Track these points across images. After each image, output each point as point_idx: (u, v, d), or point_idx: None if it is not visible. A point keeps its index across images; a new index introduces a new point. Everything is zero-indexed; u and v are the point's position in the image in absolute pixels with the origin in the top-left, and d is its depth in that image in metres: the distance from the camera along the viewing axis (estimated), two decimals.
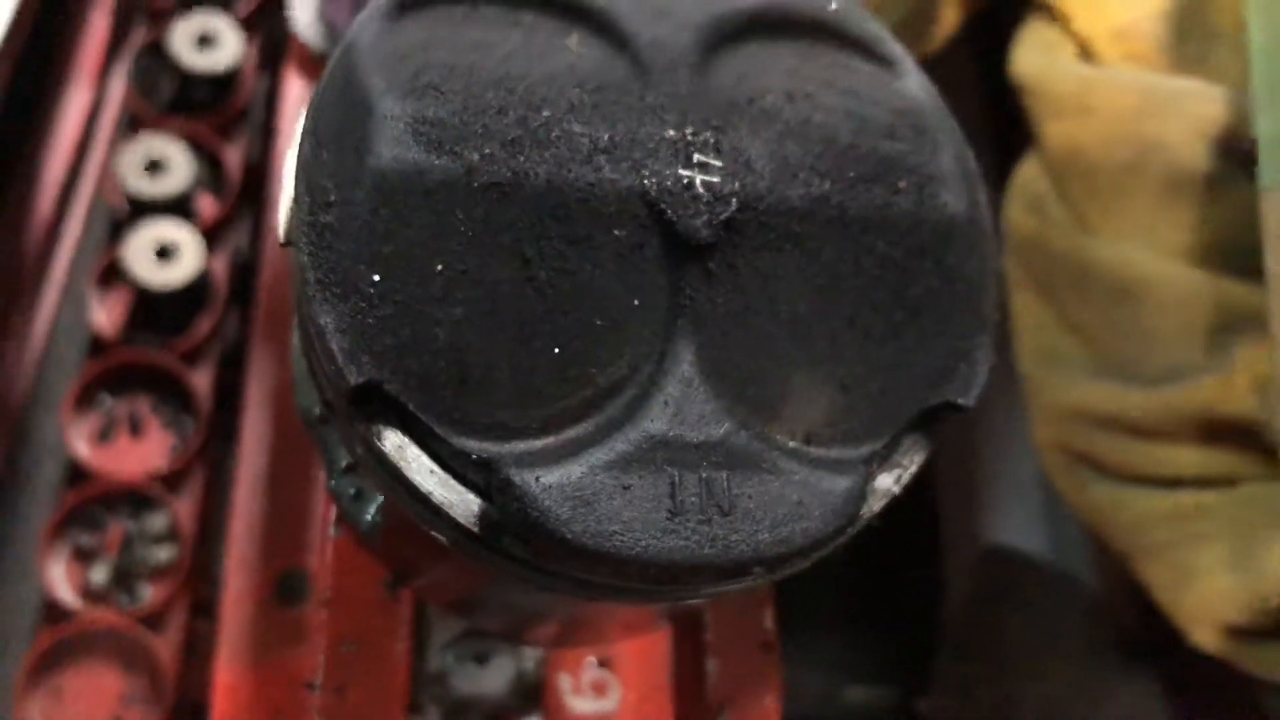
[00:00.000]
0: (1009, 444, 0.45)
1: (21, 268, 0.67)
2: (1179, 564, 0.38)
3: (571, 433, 0.21)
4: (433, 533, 0.23)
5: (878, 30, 0.26)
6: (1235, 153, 0.38)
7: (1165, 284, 0.38)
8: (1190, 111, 0.38)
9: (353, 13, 0.52)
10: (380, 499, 0.27)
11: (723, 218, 0.22)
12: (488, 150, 0.21)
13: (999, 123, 0.45)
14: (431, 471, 0.21)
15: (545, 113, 0.22)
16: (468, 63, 0.22)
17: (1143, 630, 0.44)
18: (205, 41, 0.75)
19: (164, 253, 0.62)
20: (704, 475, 0.21)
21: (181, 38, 0.74)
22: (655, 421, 0.21)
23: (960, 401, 0.24)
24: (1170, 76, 0.40)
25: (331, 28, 0.52)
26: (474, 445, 0.21)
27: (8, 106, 0.64)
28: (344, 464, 0.27)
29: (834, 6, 0.26)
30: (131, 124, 0.74)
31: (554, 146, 0.22)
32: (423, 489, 0.21)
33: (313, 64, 0.53)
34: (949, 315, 0.24)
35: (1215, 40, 0.41)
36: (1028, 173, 0.42)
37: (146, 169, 0.69)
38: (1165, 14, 0.42)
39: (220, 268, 0.63)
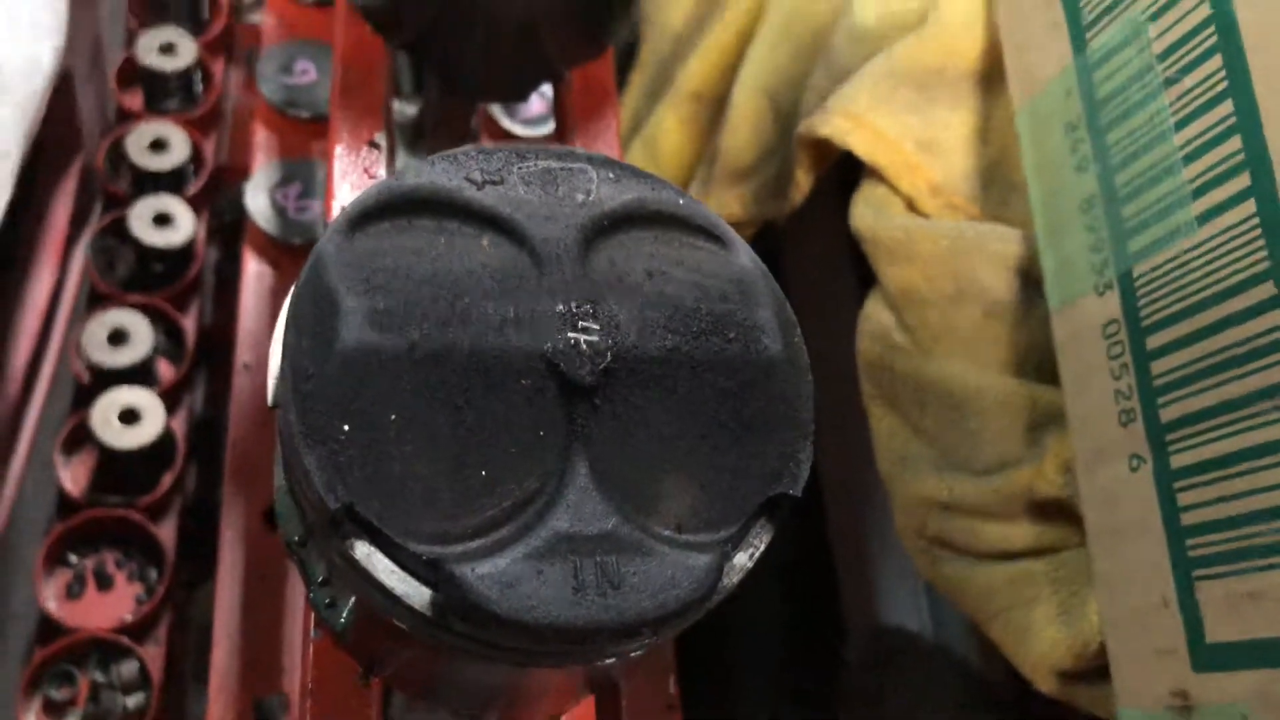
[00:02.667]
0: (894, 538, 0.53)
1: None
2: (1017, 624, 0.45)
3: (498, 534, 0.29)
4: (395, 621, 0.30)
5: (715, 218, 0.35)
6: (1033, 281, 0.47)
7: (988, 392, 0.47)
8: (995, 250, 0.47)
9: (299, 201, 0.61)
10: (351, 604, 0.33)
11: (601, 367, 0.30)
12: (424, 329, 0.29)
13: (862, 259, 0.54)
14: (393, 571, 0.28)
15: (466, 299, 0.30)
16: (407, 265, 0.30)
17: (1010, 687, 0.51)
18: (161, 220, 0.82)
19: (127, 417, 0.67)
20: (599, 560, 0.29)
21: (139, 218, 0.82)
22: (560, 521, 0.29)
23: (791, 492, 0.31)
24: (978, 222, 0.49)
25: (282, 213, 0.60)
26: (424, 549, 0.28)
27: None
28: (320, 578, 0.34)
29: (681, 201, 0.34)
30: (92, 299, 0.81)
31: (474, 323, 0.30)
32: (387, 585, 0.28)
33: (266, 244, 0.60)
34: (776, 429, 0.32)
35: (1014, 191, 0.51)
36: (872, 307, 0.51)
37: (109, 340, 0.75)
38: (972, 172, 0.51)
39: (180, 427, 0.68)
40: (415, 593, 0.29)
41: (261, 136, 0.62)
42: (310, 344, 0.29)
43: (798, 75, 0.61)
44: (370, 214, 0.31)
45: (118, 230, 0.87)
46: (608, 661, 0.31)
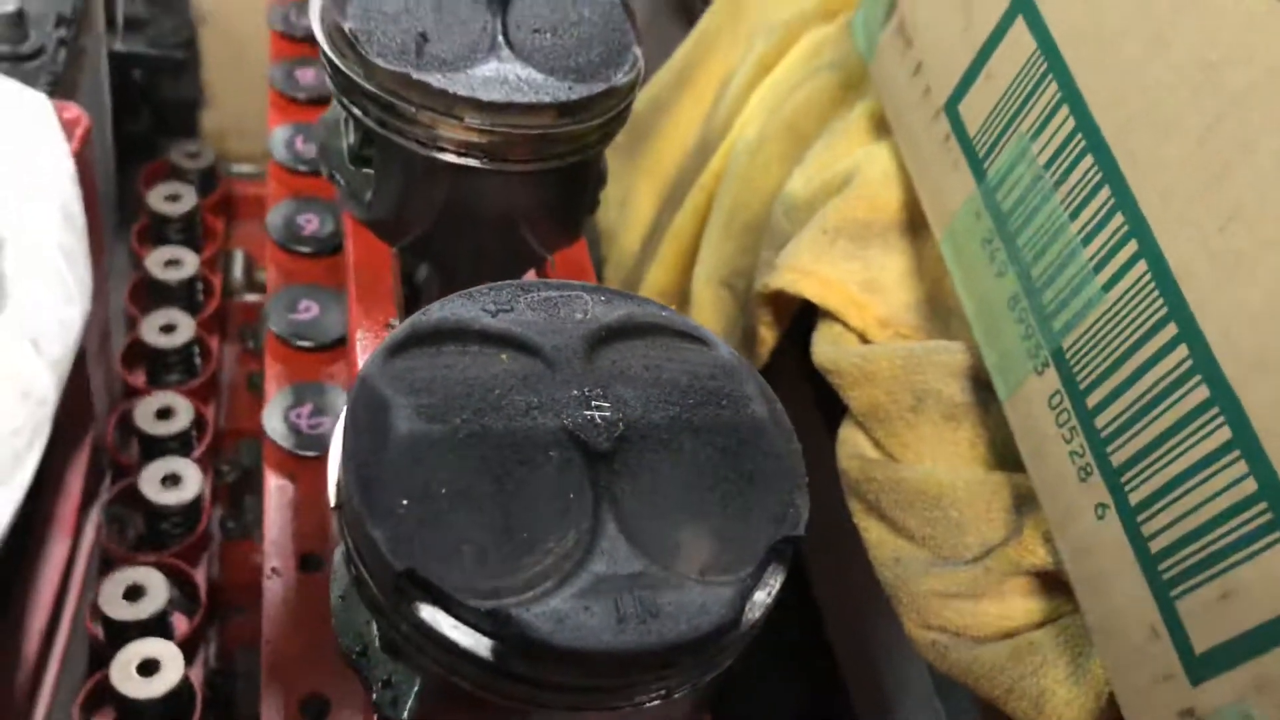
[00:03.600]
0: (899, 650, 0.56)
1: (8, 713, 0.73)
2: (1030, 693, 0.48)
3: (545, 585, 0.33)
4: (458, 680, 0.33)
5: (696, 325, 0.40)
6: (983, 383, 0.53)
7: (960, 484, 0.52)
8: (942, 361, 0.53)
9: (311, 419, 0.66)
10: (413, 696, 0.36)
11: (616, 435, 0.35)
12: (464, 417, 0.34)
13: (826, 392, 0.59)
14: (455, 627, 0.32)
15: (496, 392, 0.35)
16: (442, 375, 0.36)
17: None
18: (169, 480, 0.87)
19: (146, 668, 0.69)
20: (636, 594, 0.32)
21: (149, 480, 0.86)
22: (598, 566, 0.33)
23: (795, 534, 0.35)
24: (924, 341, 0.55)
25: (297, 430, 0.65)
26: (481, 603, 0.32)
27: None
28: (382, 681, 0.37)
29: (664, 314, 0.40)
30: (104, 564, 0.85)
31: (504, 410, 0.35)
32: (451, 639, 0.32)
33: (283, 459, 0.65)
34: (774, 479, 0.36)
35: (951, 315, 0.57)
36: (846, 431, 0.56)
37: (125, 596, 0.78)
38: (913, 304, 0.58)
39: (196, 677, 0.70)
40: (477, 643, 0.32)
41: (273, 368, 0.68)
42: (368, 439, 0.34)
43: (747, 261, 0.69)
44: (404, 344, 0.37)
45: (128, 498, 0.92)
46: (653, 702, 0.34)
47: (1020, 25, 0.48)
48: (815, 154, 0.62)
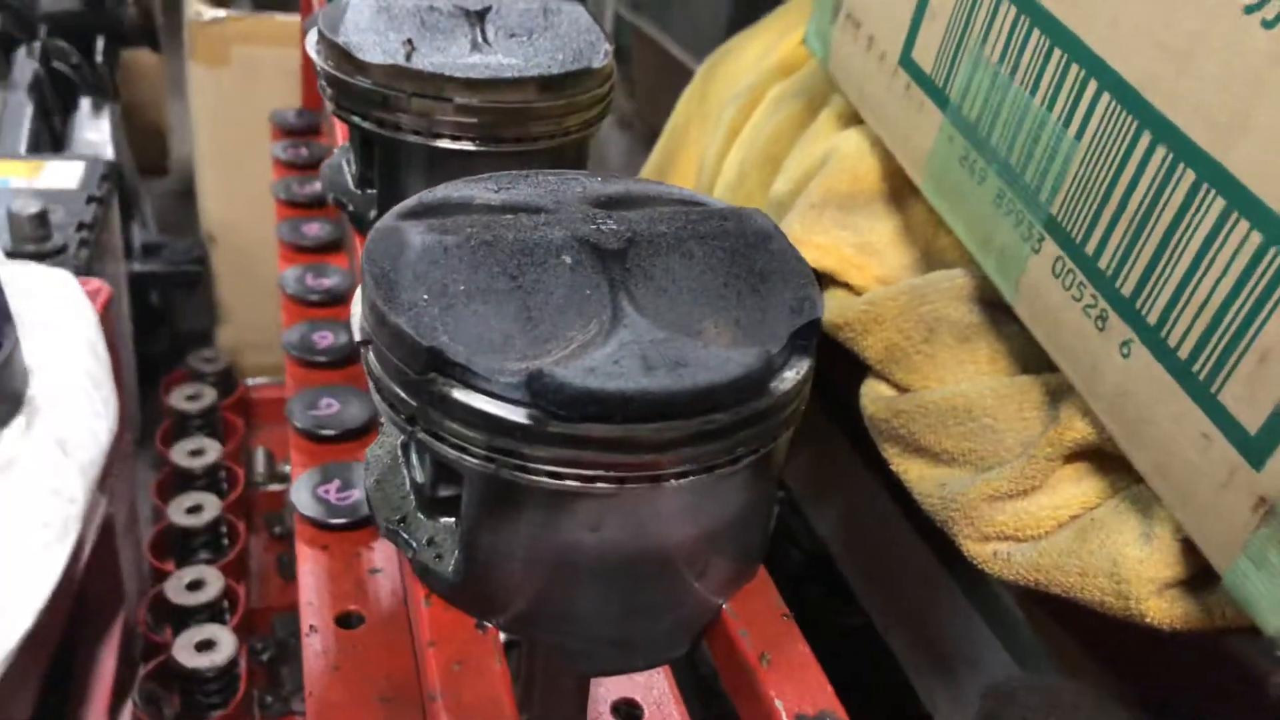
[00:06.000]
0: (959, 631, 0.54)
1: None
2: (1103, 566, 0.45)
3: (574, 358, 0.33)
4: (497, 465, 0.32)
5: (690, 191, 0.42)
6: (988, 302, 0.53)
7: (989, 394, 0.51)
8: (945, 287, 0.54)
9: (340, 494, 0.66)
10: (457, 551, 0.35)
11: (625, 239, 0.36)
12: (474, 229, 0.35)
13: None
14: (489, 402, 0.32)
15: (507, 216, 0.36)
16: (451, 220, 0.37)
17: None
18: (204, 646, 0.86)
19: None
20: (663, 349, 0.32)
21: (183, 648, 0.85)
22: (624, 335, 0.33)
23: (813, 319, 0.36)
24: (923, 275, 0.56)
25: (325, 503, 0.64)
26: (512, 378, 0.32)
27: None
28: (422, 541, 0.36)
29: (660, 187, 0.42)
30: None
31: (516, 224, 0.36)
32: (487, 411, 0.32)
33: (314, 533, 0.64)
34: (786, 277, 0.37)
35: (947, 269, 0.59)
36: (866, 385, 0.56)
37: None
38: (909, 265, 0.59)
39: None
40: (512, 413, 0.32)
41: (297, 456, 0.68)
42: (385, 257, 0.35)
43: None
44: (412, 211, 0.38)
45: (163, 675, 0.90)
46: (692, 476, 0.33)
47: None
48: (792, 159, 0.66)
